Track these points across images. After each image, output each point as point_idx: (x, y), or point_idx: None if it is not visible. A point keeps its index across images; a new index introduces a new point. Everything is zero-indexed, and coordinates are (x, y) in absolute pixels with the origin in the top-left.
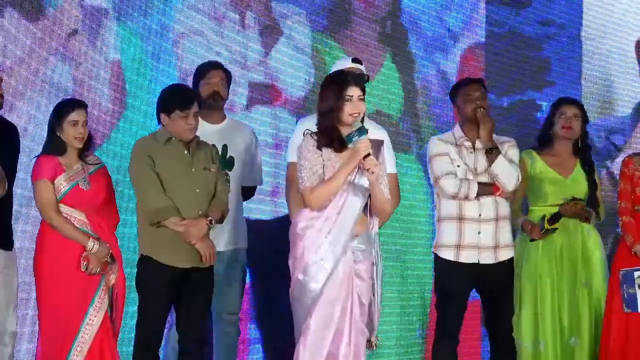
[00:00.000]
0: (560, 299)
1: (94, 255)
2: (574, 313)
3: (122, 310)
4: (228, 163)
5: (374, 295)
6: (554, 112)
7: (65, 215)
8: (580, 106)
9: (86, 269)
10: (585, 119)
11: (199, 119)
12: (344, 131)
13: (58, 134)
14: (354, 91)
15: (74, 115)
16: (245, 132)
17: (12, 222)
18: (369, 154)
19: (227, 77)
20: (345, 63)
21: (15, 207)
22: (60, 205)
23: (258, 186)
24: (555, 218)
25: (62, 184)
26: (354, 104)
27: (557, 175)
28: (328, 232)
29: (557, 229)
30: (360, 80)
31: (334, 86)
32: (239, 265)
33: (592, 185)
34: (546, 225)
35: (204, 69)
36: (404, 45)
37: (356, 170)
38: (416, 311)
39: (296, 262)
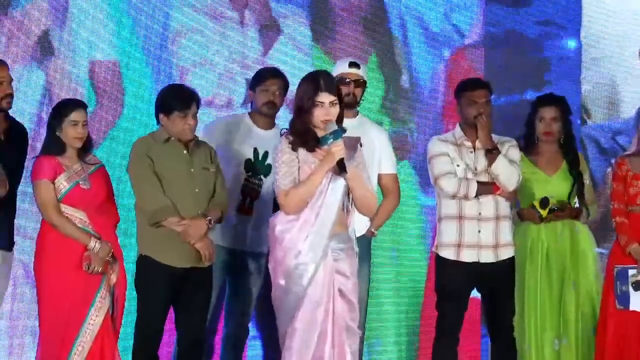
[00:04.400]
0: (543, 302)
1: (96, 254)
2: (560, 316)
3: (122, 310)
4: (265, 169)
5: None
6: (534, 113)
7: (66, 215)
8: (559, 104)
9: (88, 268)
10: (566, 114)
11: (250, 121)
12: (320, 132)
13: (57, 134)
14: (325, 97)
15: (74, 116)
16: None
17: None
18: (342, 159)
19: (285, 86)
20: (342, 66)
21: None
22: (61, 205)
23: None
24: (544, 203)
25: (63, 183)
26: (325, 110)
27: (543, 174)
28: (307, 235)
29: (554, 209)
30: (333, 84)
31: (306, 89)
32: (263, 269)
33: (578, 177)
34: (543, 214)
35: (263, 75)
36: (391, 44)
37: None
38: (409, 309)
39: (277, 266)
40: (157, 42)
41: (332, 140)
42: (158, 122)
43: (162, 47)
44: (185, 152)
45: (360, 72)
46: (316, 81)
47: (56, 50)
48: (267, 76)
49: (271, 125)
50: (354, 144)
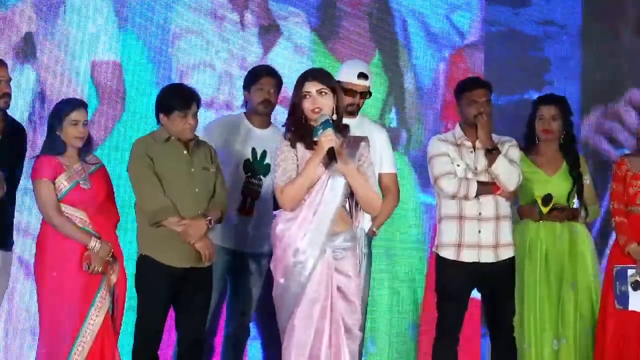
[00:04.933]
0: (542, 302)
1: (96, 254)
2: (559, 316)
3: (123, 310)
4: (264, 168)
5: None
6: (534, 113)
7: (67, 215)
8: (559, 103)
9: (88, 268)
10: (566, 113)
11: (247, 121)
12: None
13: (58, 133)
14: (311, 86)
15: (75, 115)
16: None
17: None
18: (332, 148)
19: (279, 84)
20: (350, 75)
21: None
22: (61, 204)
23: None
24: (547, 200)
25: (63, 183)
26: (313, 99)
27: (543, 174)
28: (304, 233)
29: (555, 207)
30: (323, 75)
31: (296, 85)
32: (263, 269)
33: (577, 178)
34: (543, 210)
35: (258, 74)
36: (394, 43)
37: (332, 166)
38: (407, 309)
39: (277, 265)
40: (157, 43)
41: (321, 130)
42: (158, 122)
43: (162, 48)
44: (185, 152)
45: (368, 83)
46: (303, 74)
47: (49, 51)
48: (262, 74)
49: (267, 124)
50: (356, 143)
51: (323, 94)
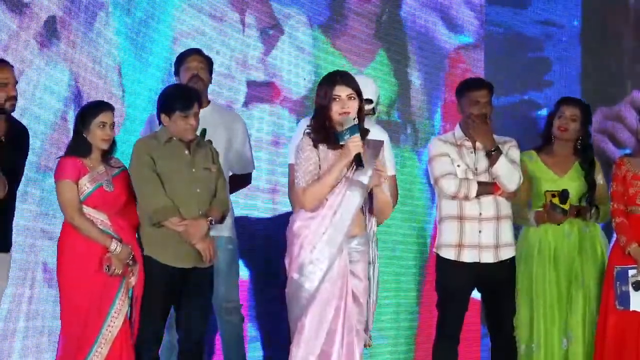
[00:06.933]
0: (552, 303)
1: (117, 256)
2: (569, 314)
3: (140, 313)
4: None
5: (369, 295)
6: (555, 111)
7: (88, 216)
8: (582, 107)
9: (108, 270)
10: (586, 120)
11: None
12: (340, 129)
13: (84, 135)
14: (341, 90)
15: (102, 117)
16: (230, 118)
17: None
18: (359, 153)
19: (208, 62)
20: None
21: None
22: (83, 206)
23: (257, 181)
24: (564, 196)
25: (86, 185)
26: (342, 103)
27: (553, 174)
28: (324, 231)
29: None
30: (350, 79)
31: (324, 85)
32: (232, 252)
33: (592, 184)
34: (564, 207)
35: (183, 55)
36: (399, 41)
37: (353, 168)
38: (407, 309)
39: (292, 262)
40: (159, 42)
41: (348, 135)
42: (160, 122)
43: (163, 47)
44: (187, 152)
45: (372, 106)
46: (332, 77)
47: (86, 51)
48: (187, 54)
49: (205, 103)
50: (377, 147)
51: (352, 98)
